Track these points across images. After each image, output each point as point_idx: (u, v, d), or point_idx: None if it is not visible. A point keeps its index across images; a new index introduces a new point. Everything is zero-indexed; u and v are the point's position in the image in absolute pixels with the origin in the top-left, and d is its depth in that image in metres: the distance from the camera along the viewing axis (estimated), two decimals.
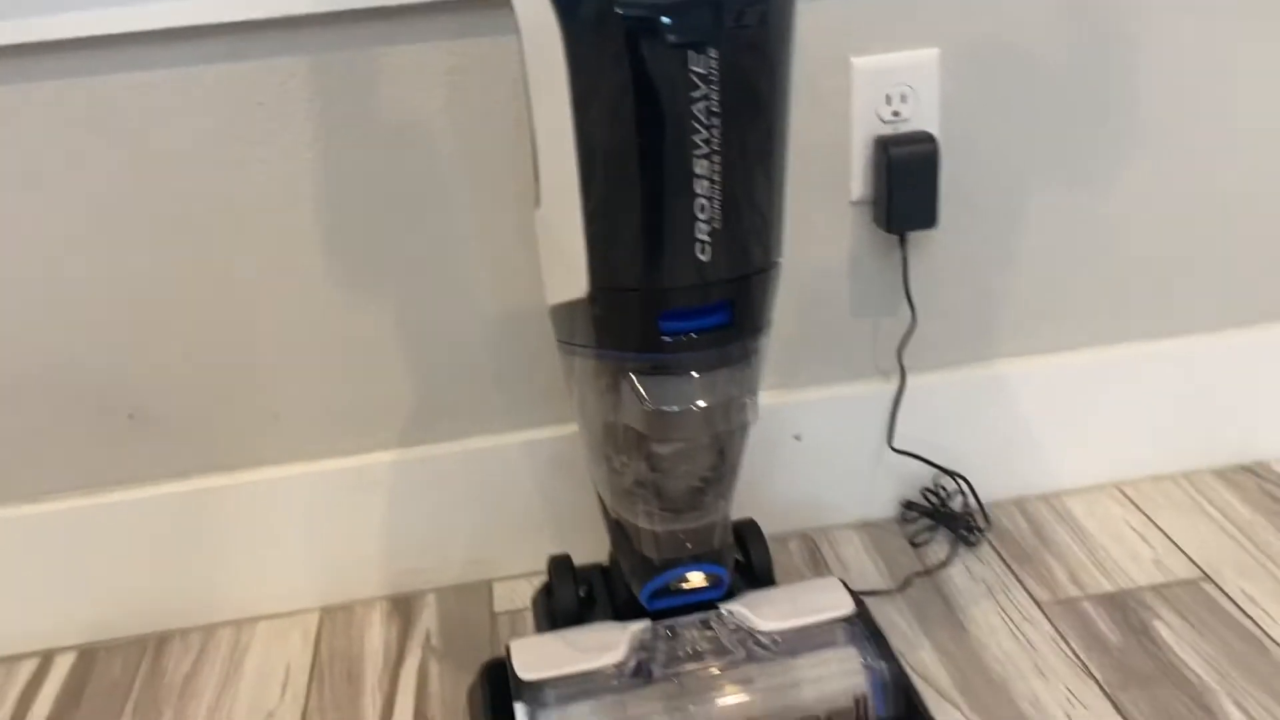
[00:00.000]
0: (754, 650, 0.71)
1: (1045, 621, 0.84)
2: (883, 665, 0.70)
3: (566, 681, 0.69)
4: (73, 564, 0.88)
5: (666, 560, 0.71)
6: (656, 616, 0.72)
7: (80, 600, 0.89)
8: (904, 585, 0.89)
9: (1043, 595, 0.87)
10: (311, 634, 0.90)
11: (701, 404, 0.62)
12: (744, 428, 0.66)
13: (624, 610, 0.75)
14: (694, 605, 0.73)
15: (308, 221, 0.82)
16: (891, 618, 0.86)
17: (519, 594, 0.92)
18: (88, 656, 0.90)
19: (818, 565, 0.93)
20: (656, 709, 0.68)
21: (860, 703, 0.70)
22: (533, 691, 0.69)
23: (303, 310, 0.85)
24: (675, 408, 0.62)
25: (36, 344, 0.81)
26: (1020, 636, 0.83)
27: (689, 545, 0.71)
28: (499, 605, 0.91)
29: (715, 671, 0.70)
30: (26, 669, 0.89)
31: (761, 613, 0.73)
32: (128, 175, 0.79)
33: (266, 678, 0.86)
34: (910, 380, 0.92)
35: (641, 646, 0.71)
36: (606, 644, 0.71)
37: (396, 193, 0.82)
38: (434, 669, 0.85)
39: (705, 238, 0.57)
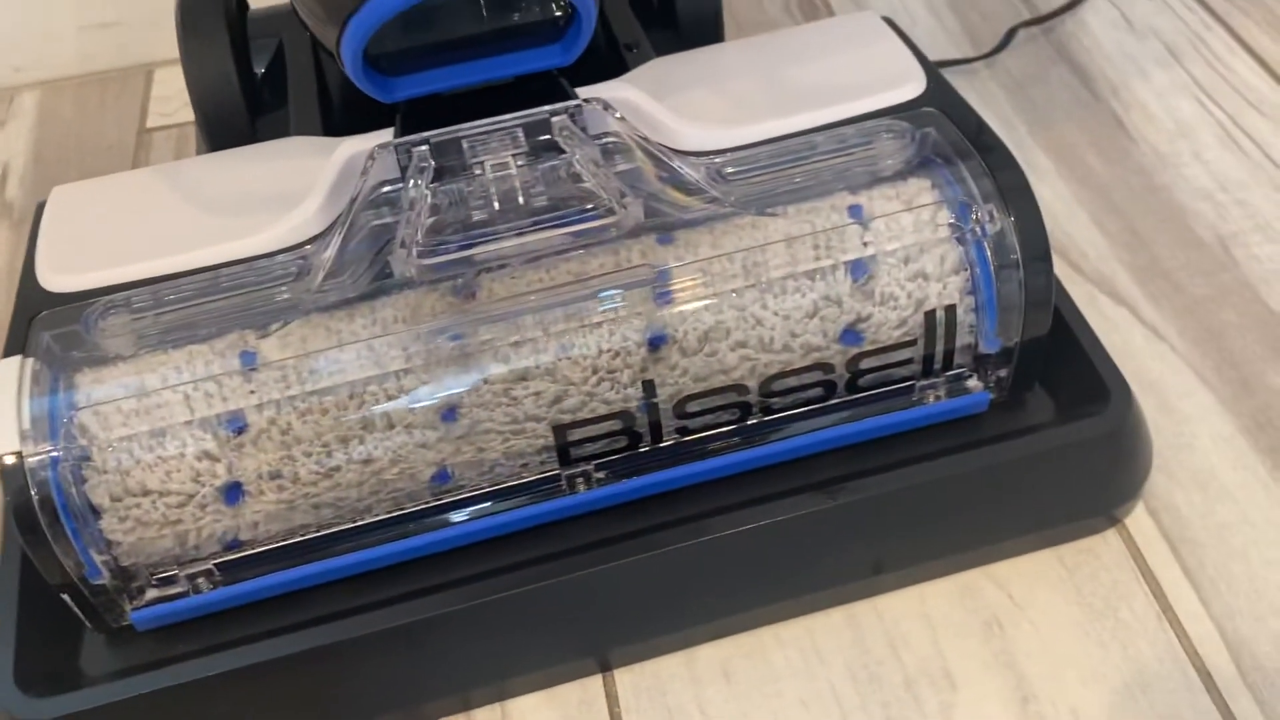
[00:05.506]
0: (669, 199, 0.29)
1: None
2: (998, 226, 0.26)
3: (148, 293, 0.28)
4: None
5: None
6: (414, 118, 0.29)
7: None
8: (1002, 44, 0.43)
9: None
10: None
11: None
12: None
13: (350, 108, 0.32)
14: (513, 88, 0.29)
15: None
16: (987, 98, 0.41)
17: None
18: None
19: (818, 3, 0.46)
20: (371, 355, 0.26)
21: (947, 316, 0.27)
22: (60, 319, 0.27)
23: None
24: None
25: None
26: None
27: None
28: (156, 117, 0.46)
29: (563, 264, 0.28)
30: None
31: (688, 103, 0.30)
32: None
33: None
34: None
35: (374, 197, 0.29)
36: (284, 192, 0.29)
37: None
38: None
39: None
